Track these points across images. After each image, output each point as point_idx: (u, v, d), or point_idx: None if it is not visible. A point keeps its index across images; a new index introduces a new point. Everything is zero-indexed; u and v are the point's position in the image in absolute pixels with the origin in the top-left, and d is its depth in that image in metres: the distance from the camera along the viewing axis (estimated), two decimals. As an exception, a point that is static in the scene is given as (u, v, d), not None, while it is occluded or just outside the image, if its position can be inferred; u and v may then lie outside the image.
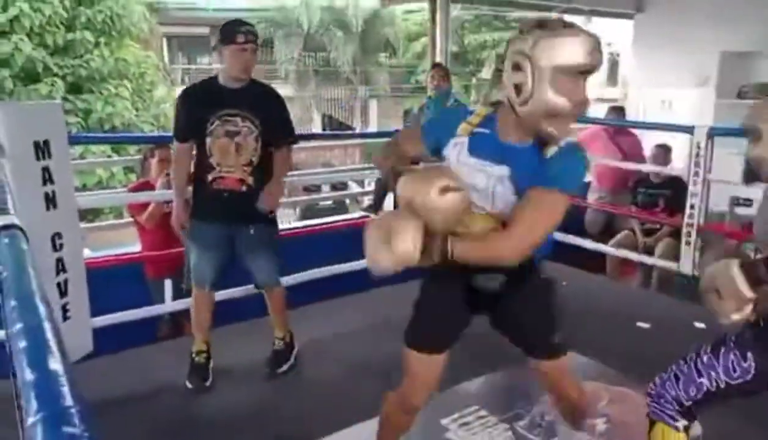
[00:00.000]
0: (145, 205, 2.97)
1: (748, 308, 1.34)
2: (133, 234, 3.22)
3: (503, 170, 1.36)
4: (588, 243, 4.05)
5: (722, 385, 1.43)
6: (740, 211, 3.97)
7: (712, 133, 3.28)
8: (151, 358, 2.73)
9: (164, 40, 18.94)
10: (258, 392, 2.42)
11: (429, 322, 1.60)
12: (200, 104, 2.33)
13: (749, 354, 1.40)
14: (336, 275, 3.32)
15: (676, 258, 3.44)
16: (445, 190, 1.24)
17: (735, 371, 1.41)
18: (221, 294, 2.71)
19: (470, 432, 2.09)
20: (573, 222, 4.35)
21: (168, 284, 3.03)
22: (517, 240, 1.34)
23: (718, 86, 5.00)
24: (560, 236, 3.93)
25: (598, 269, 4.19)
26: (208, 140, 2.31)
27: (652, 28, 5.68)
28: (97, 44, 11.02)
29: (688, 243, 3.28)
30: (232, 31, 2.28)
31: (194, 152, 2.41)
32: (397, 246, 1.24)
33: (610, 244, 4.17)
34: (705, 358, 1.45)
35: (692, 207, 3.28)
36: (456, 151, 1.42)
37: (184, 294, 2.95)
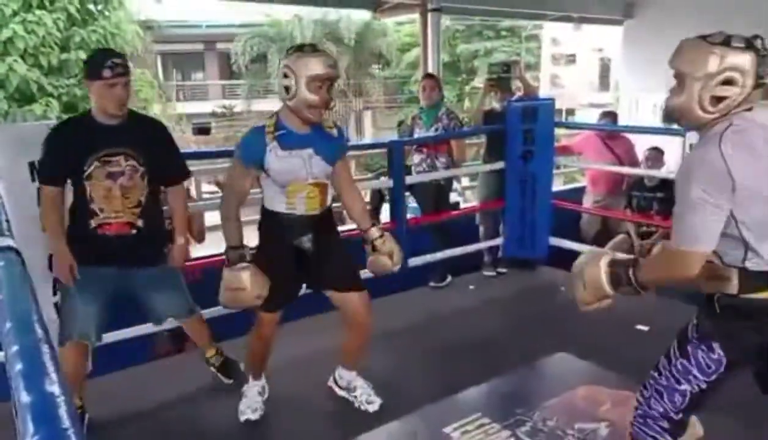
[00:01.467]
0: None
1: (605, 302, 1.49)
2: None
3: (309, 151, 2.03)
4: (584, 248, 4.05)
5: (704, 386, 1.42)
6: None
7: (704, 135, 3.29)
8: (149, 377, 2.72)
9: (158, 58, 19.02)
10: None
11: (274, 294, 2.09)
12: (74, 145, 2.07)
13: (714, 345, 1.39)
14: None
15: (672, 260, 3.44)
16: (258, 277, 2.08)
17: (709, 367, 1.40)
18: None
19: (472, 439, 2.08)
20: (569, 227, 4.36)
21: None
22: None
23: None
24: (556, 241, 3.95)
25: (596, 274, 4.19)
26: (87, 184, 2.07)
27: (642, 33, 5.73)
28: (91, 63, 11.05)
29: (683, 245, 3.28)
30: (98, 65, 2.05)
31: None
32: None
33: (607, 248, 4.17)
34: (679, 365, 1.44)
35: (687, 209, 3.28)
36: (273, 152, 2.00)
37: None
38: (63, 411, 0.54)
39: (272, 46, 17.39)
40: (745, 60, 1.30)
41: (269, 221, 2.13)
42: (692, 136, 3.29)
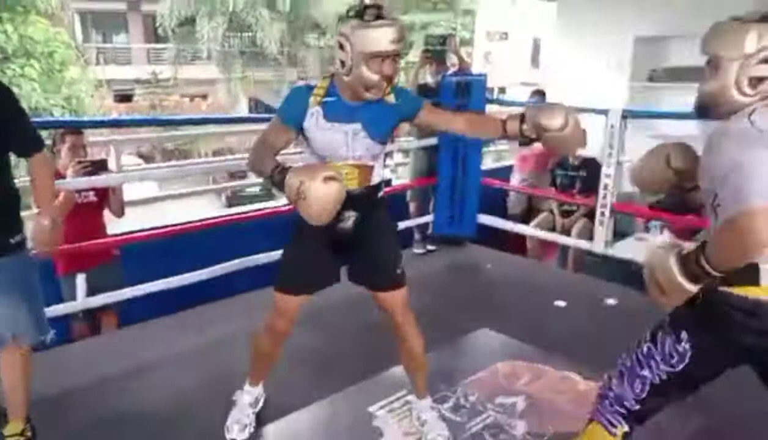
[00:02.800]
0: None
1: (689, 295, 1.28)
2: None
3: (356, 126, 1.73)
4: (510, 225, 4.18)
5: (664, 376, 1.35)
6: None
7: (625, 115, 3.42)
8: (65, 360, 2.58)
9: (76, 17, 17.74)
10: (183, 386, 2.34)
11: (302, 274, 1.87)
12: None
13: (683, 335, 1.32)
14: (260, 266, 3.23)
15: (591, 237, 3.60)
16: (328, 179, 1.51)
17: (672, 356, 1.33)
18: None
19: (397, 417, 2.11)
20: (496, 204, 4.47)
21: (80, 279, 2.86)
22: None
23: (632, 69, 5.24)
24: (484, 219, 4.04)
25: (522, 250, 4.34)
26: None
27: (572, 12, 5.84)
28: (-2, 20, 10.18)
29: (601, 223, 3.43)
30: None
31: None
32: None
33: (531, 226, 4.32)
34: (645, 348, 1.38)
35: (605, 187, 3.41)
36: (314, 119, 1.73)
37: (99, 290, 2.82)
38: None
39: (201, 9, 16.59)
40: None
41: None
42: (614, 116, 3.41)
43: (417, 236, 4.02)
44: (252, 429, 2.03)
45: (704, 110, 1.34)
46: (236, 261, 3.17)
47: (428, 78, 4.02)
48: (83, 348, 2.77)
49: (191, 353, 2.59)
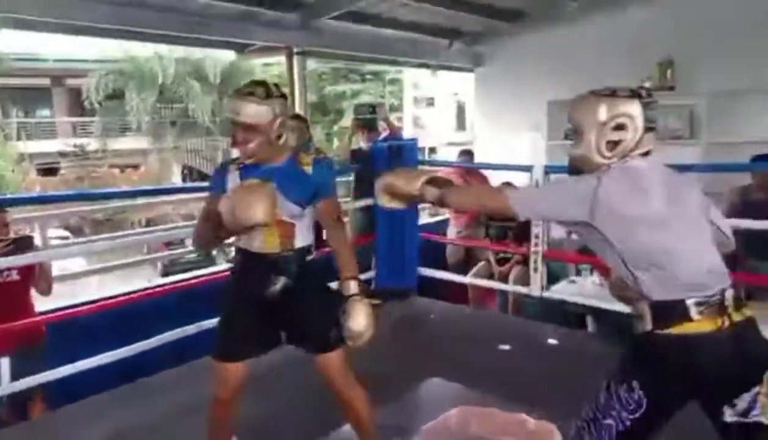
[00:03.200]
0: (-28, 277, 2.64)
1: (396, 202, 1.66)
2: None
3: (271, 186, 1.83)
4: (450, 276, 4.28)
5: (628, 423, 1.37)
6: (575, 237, 4.44)
7: (548, 171, 3.67)
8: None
9: (-5, 93, 17.19)
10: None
11: (234, 339, 1.92)
12: None
13: (634, 384, 1.36)
14: (199, 334, 3.13)
15: (527, 283, 3.75)
16: (246, 185, 1.75)
17: (629, 404, 1.37)
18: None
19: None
20: (436, 256, 4.59)
21: (5, 363, 2.68)
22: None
23: (548, 130, 5.65)
24: (425, 271, 4.14)
25: (462, 299, 4.44)
26: None
27: (490, 80, 6.33)
28: None
29: (535, 269, 3.61)
30: None
31: None
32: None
33: (470, 275, 4.44)
34: (602, 399, 1.41)
35: (536, 236, 3.62)
36: (233, 182, 1.88)
37: (25, 372, 2.64)
38: None
39: (130, 83, 16.49)
40: (632, 107, 1.43)
41: (236, 257, 1.96)
42: (538, 171, 3.66)
43: (360, 293, 4.03)
44: None
45: (575, 171, 1.53)
46: (178, 330, 3.06)
47: (361, 144, 4.18)
48: (8, 437, 2.56)
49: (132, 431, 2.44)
